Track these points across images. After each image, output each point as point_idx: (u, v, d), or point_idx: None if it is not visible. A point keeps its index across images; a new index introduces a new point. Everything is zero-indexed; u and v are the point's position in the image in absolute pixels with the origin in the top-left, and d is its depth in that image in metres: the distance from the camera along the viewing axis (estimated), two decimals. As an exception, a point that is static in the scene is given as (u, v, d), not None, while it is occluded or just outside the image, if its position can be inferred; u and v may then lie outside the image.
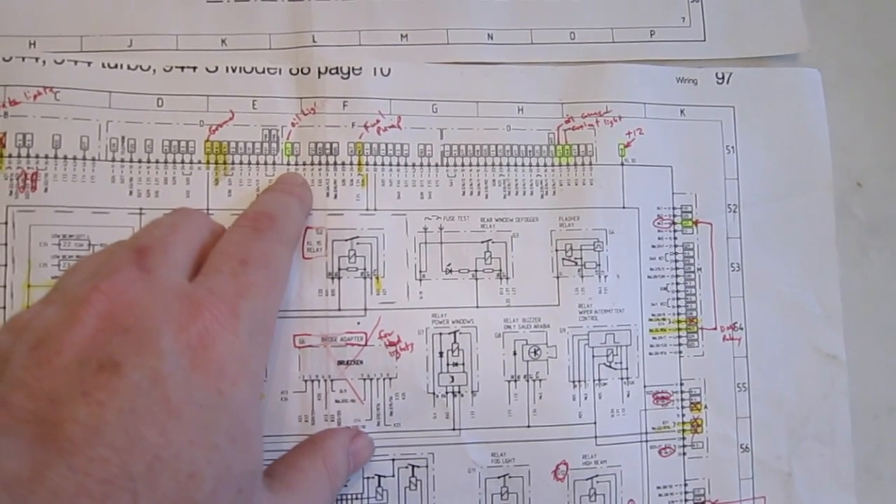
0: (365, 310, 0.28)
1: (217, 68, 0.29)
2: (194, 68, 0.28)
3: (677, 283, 0.30)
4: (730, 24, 0.32)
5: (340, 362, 0.28)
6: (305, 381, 0.27)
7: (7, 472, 0.17)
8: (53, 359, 0.19)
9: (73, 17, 0.29)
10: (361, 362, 0.28)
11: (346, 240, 0.28)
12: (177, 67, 0.28)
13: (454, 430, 0.28)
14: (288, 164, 0.29)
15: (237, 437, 0.20)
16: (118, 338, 0.20)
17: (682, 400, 0.29)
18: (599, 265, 0.29)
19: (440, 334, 0.28)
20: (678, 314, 0.30)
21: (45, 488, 0.17)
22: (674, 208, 0.30)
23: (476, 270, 0.29)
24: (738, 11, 0.32)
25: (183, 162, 0.28)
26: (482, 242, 0.29)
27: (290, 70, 0.29)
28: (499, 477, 0.28)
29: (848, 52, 0.33)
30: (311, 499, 0.24)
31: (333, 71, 0.29)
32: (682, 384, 0.29)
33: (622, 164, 0.30)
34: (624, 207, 0.30)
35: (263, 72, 0.29)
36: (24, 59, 0.27)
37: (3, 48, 0.28)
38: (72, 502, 0.17)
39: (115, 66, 0.28)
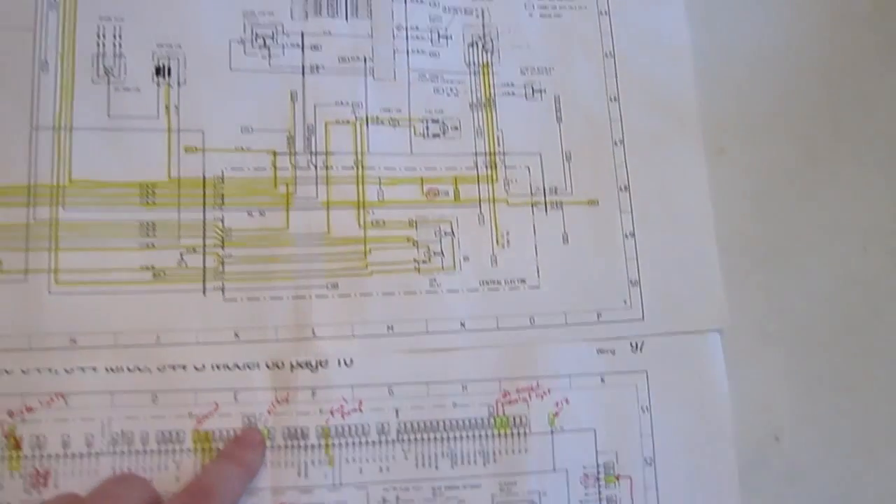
0: (333, 576, 0.32)
1: (203, 366, 0.34)
2: (184, 367, 0.33)
3: (604, 535, 0.35)
4: (664, 304, 0.37)
5: None
6: None
7: None
8: None
9: (108, 316, 0.33)
10: None
11: (316, 513, 0.33)
12: (169, 367, 0.33)
13: None
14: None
15: None
16: None
17: None
18: (534, 525, 0.34)
19: None
20: (606, 563, 0.34)
21: None
22: (598, 466, 0.35)
23: (429, 535, 0.33)
24: (670, 293, 0.37)
25: (174, 451, 0.33)
26: (434, 510, 0.34)
27: (266, 364, 0.34)
28: None
29: (763, 322, 0.38)
30: None
31: (303, 365, 0.34)
32: None
33: (552, 433, 0.35)
34: (554, 470, 0.35)
35: (243, 367, 0.34)
36: (39, 370, 0.32)
37: (47, 342, 0.32)
38: None
39: (116, 370, 0.33)
